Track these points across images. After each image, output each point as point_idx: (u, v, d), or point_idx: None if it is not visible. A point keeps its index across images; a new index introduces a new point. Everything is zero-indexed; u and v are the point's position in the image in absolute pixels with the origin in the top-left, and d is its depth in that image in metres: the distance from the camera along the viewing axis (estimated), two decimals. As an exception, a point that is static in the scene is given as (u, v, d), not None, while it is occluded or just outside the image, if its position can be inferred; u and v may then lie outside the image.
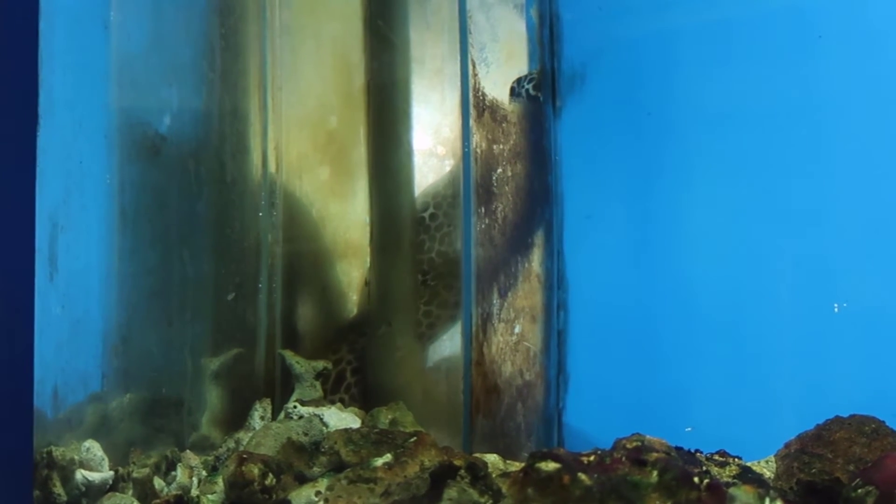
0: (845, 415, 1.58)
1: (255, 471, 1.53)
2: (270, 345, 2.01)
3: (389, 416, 1.83)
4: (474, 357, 1.88)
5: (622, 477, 1.23)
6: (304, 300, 2.06)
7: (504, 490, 1.39)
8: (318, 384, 1.95)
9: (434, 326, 1.94)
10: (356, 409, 1.89)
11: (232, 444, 1.80)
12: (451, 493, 1.39)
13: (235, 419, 1.92)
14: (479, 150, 1.93)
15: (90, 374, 1.74)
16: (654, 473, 1.23)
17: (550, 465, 1.25)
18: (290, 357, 1.97)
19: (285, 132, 2.05)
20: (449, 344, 1.91)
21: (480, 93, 1.97)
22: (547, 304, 2.09)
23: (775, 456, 1.57)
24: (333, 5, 2.09)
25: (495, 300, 1.95)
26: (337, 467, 1.59)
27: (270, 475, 1.53)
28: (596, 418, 2.13)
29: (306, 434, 1.74)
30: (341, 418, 1.81)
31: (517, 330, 2.01)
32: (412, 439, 1.50)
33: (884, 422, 1.53)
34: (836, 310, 1.84)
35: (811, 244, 1.89)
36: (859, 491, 1.25)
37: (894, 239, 1.81)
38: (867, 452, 1.46)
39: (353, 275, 2.06)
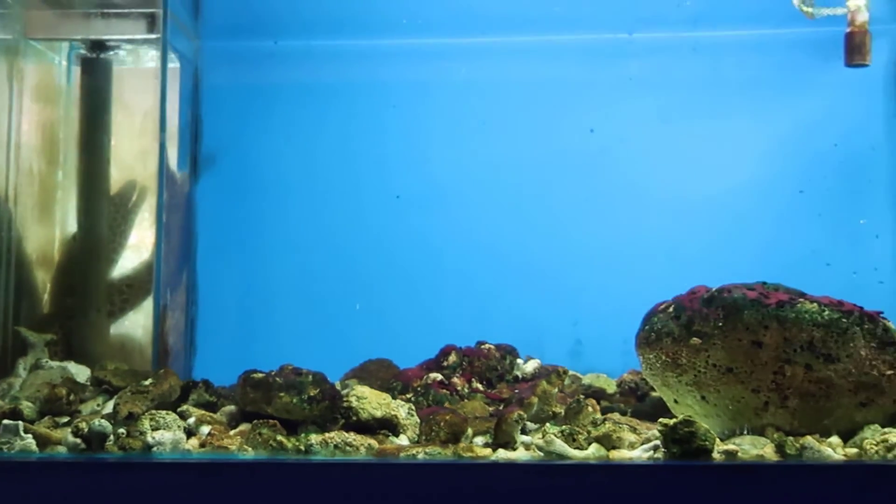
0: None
1: (64, 391, 2.52)
2: (6, 324, 2.89)
3: (112, 367, 2.87)
4: (161, 330, 3.02)
5: (294, 378, 2.56)
6: (27, 295, 2.98)
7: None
8: (46, 350, 2.89)
9: (126, 310, 3.03)
10: (85, 364, 2.89)
11: (5, 386, 2.68)
12: (193, 397, 2.58)
13: (-10, 373, 2.79)
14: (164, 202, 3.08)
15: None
16: (310, 377, 2.58)
17: (259, 374, 2.53)
18: (25, 332, 2.88)
19: (17, 175, 2.96)
20: (143, 322, 3.02)
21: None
22: (189, 301, 3.30)
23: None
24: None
25: (168, 297, 3.11)
26: (108, 392, 2.64)
27: (73, 394, 2.53)
28: (213, 374, 3.38)
29: (62, 377, 2.72)
30: (79, 368, 2.81)
31: (175, 316, 3.18)
32: (161, 371, 2.64)
33: (392, 361, 3.08)
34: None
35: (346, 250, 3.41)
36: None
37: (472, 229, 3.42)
38: (390, 376, 2.99)
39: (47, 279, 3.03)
